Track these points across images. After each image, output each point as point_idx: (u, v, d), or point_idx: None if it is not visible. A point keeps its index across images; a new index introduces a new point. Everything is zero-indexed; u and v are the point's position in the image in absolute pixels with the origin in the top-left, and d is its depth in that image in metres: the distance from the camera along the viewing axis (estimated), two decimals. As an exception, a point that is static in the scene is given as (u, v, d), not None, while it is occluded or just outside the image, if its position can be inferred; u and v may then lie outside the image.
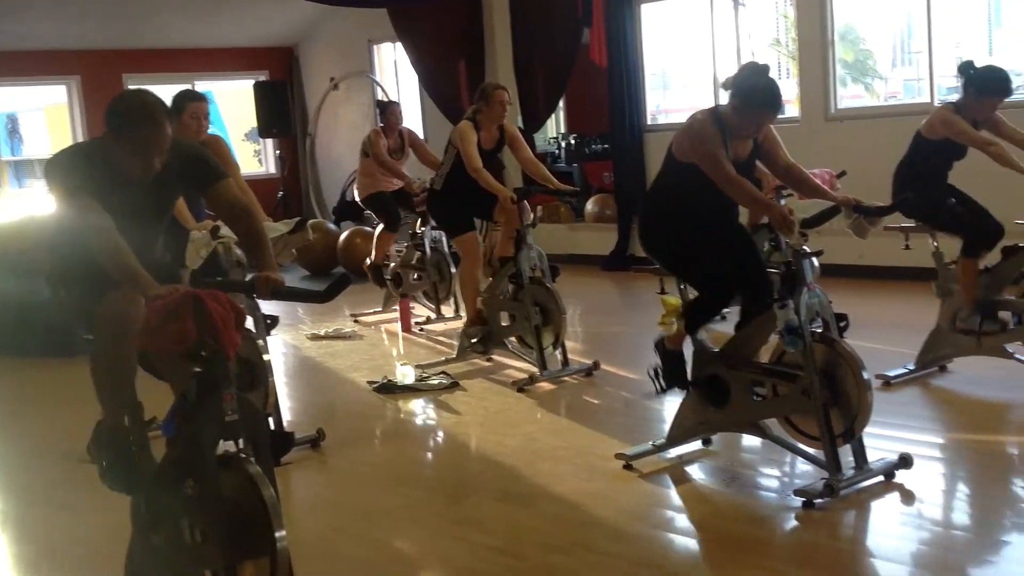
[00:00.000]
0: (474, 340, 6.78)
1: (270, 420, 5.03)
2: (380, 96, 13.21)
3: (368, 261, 8.75)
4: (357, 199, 8.83)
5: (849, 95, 12.22)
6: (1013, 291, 5.62)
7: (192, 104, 5.44)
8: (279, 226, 5.15)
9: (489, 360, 6.97)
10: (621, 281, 10.25)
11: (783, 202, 5.70)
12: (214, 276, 4.43)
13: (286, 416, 5.78)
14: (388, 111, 8.60)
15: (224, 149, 5.71)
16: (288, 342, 8.18)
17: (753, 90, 4.29)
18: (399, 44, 12.74)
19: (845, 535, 3.98)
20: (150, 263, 3.40)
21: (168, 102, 4.05)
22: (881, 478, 4.28)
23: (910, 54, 11.91)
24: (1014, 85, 5.87)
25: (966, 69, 5.47)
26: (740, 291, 4.60)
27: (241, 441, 3.26)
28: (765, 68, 4.38)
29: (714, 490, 4.51)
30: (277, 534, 3.06)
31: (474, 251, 6.95)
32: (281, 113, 13.94)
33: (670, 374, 4.76)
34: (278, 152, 14.54)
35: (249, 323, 5.00)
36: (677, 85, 13.43)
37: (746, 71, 4.39)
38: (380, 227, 8.64)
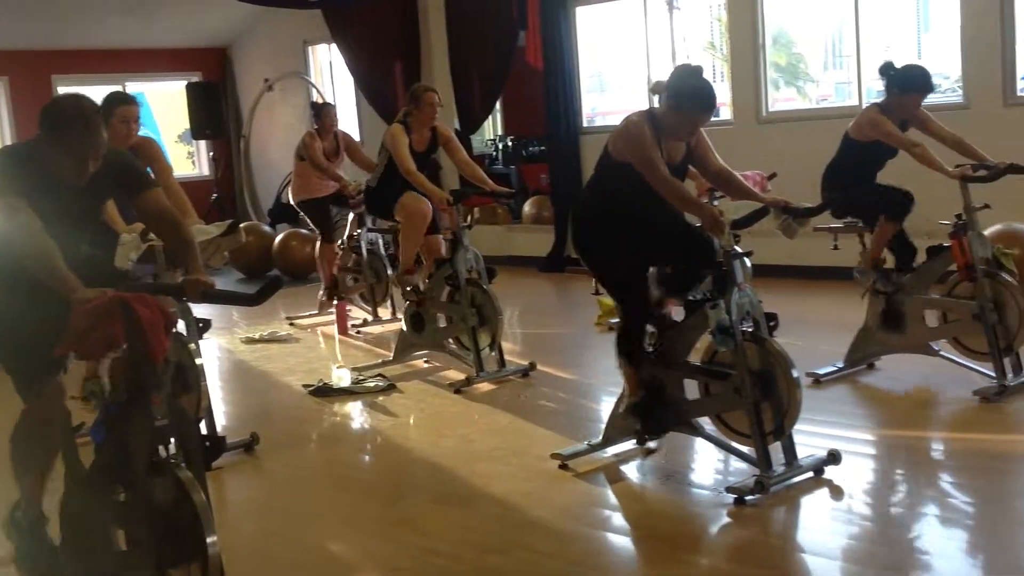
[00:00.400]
0: (408, 288, 6.80)
1: (202, 424, 4.98)
2: (315, 97, 13.13)
3: (321, 293, 8.59)
4: (291, 201, 8.75)
5: (782, 98, 12.41)
6: (938, 289, 5.75)
7: (121, 108, 5.34)
8: (211, 228, 5.09)
9: (427, 362, 6.97)
10: (558, 282, 10.31)
11: (716, 203, 5.78)
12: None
13: (220, 420, 5.73)
14: (323, 113, 8.54)
15: (156, 151, 5.63)
16: (222, 346, 8.09)
17: (687, 92, 4.34)
18: (334, 45, 12.68)
19: (776, 531, 4.04)
20: (79, 266, 3.36)
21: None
22: (811, 474, 4.35)
23: (841, 57, 12.15)
24: (936, 83, 6.00)
25: (887, 70, 5.60)
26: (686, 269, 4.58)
27: (172, 446, 3.23)
28: (699, 70, 4.42)
29: (649, 488, 4.55)
30: (208, 539, 3.04)
31: (416, 207, 6.80)
32: (214, 114, 13.79)
33: (648, 424, 4.61)
34: (212, 154, 14.38)
35: (181, 327, 4.95)
36: (613, 87, 13.54)
37: (680, 73, 4.44)
38: (318, 243, 8.55)
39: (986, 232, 5.88)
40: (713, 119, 10.85)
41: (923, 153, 5.43)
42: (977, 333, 5.43)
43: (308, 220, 8.72)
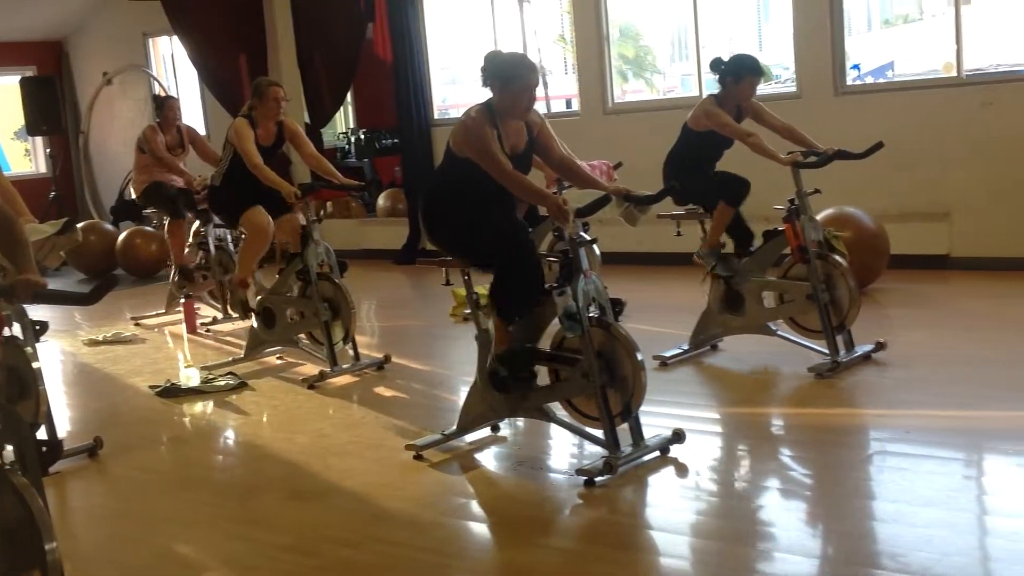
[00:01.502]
0: (237, 299, 6.69)
1: (41, 429, 4.80)
2: (157, 91, 12.77)
3: (174, 274, 8.36)
4: (134, 196, 8.49)
5: (632, 90, 12.68)
6: (774, 272, 5.98)
7: None
8: (45, 227, 4.91)
9: (280, 358, 6.87)
10: (413, 274, 10.29)
11: (563, 193, 5.89)
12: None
13: (64, 425, 5.57)
14: (165, 106, 8.33)
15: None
16: (64, 349, 7.82)
17: (506, 67, 4.45)
18: (176, 37, 12.34)
19: (624, 509, 4.14)
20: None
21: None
22: (657, 453, 4.48)
23: (687, 50, 12.48)
24: (776, 73, 6.24)
25: (717, 64, 5.82)
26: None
27: (7, 452, 3.11)
28: (499, 50, 4.62)
29: (502, 475, 4.61)
30: (47, 546, 2.94)
31: (261, 224, 6.64)
32: (51, 110, 13.28)
33: (516, 369, 4.58)
34: (49, 151, 13.83)
35: (17, 330, 4.77)
36: (465, 79, 13.58)
37: (489, 59, 4.52)
38: (167, 221, 8.32)
39: (819, 216, 6.16)
40: (562, 110, 11.10)
41: (757, 142, 5.65)
42: (811, 312, 5.68)
43: (155, 207, 8.42)
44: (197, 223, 8.18)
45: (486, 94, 4.52)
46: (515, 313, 4.58)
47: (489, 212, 4.54)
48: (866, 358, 5.71)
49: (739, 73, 5.74)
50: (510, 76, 4.41)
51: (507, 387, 4.60)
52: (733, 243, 6.00)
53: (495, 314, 4.62)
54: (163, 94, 11.58)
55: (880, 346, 5.80)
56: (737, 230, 5.96)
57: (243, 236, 7.01)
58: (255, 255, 6.79)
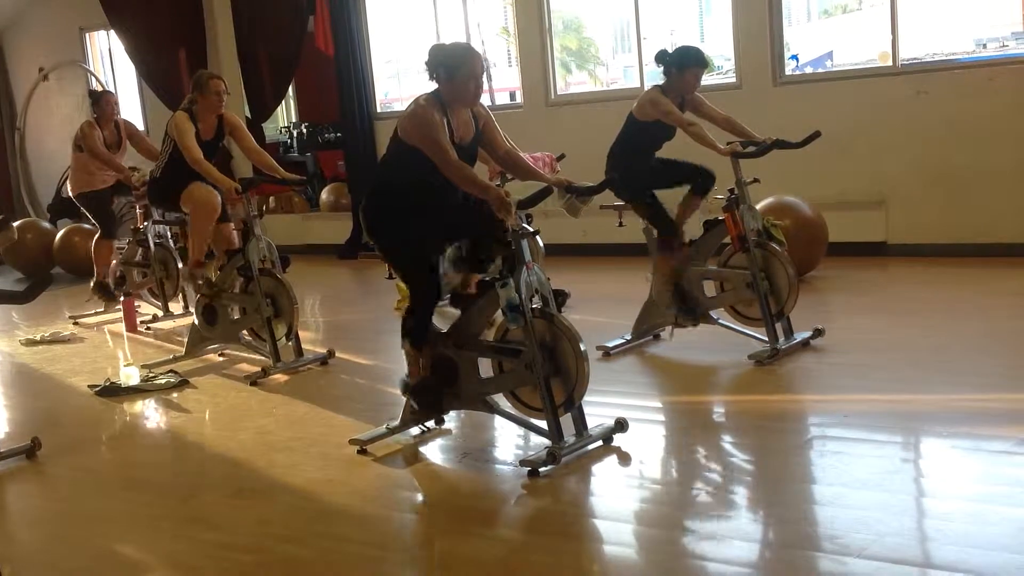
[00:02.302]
0: (199, 282, 6.60)
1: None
2: (94, 86, 12.57)
3: (92, 282, 8.28)
4: (70, 194, 8.37)
5: (575, 81, 12.72)
6: (714, 261, 6.04)
7: None
8: (-21, 226, 4.82)
9: (222, 355, 6.82)
10: (357, 269, 10.26)
11: (505, 185, 5.90)
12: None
13: (1, 426, 5.54)
14: (102, 101, 8.19)
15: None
16: (1, 349, 7.70)
17: (450, 56, 4.44)
18: (113, 32, 12.16)
19: (568, 499, 4.16)
20: None
21: None
22: (600, 443, 4.51)
23: (629, 42, 12.56)
24: (718, 64, 6.29)
25: (662, 56, 5.86)
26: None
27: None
28: (442, 43, 4.61)
29: (447, 468, 4.61)
30: (-18, 549, 2.90)
31: (203, 197, 6.54)
32: (-15, 106, 13.04)
33: (425, 404, 4.70)
34: (-17, 148, 13.58)
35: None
36: (408, 73, 13.54)
37: (432, 52, 4.51)
38: (96, 236, 8.22)
39: (758, 205, 6.22)
40: (506, 102, 11.10)
41: (698, 132, 5.70)
42: (751, 300, 5.75)
43: (87, 214, 8.35)
44: (142, 216, 8.07)
45: (432, 87, 4.51)
46: (422, 340, 4.63)
47: (421, 231, 4.54)
48: (805, 345, 5.80)
49: (683, 64, 5.79)
50: (455, 65, 4.40)
51: (451, 378, 4.61)
52: (656, 232, 6.01)
53: (407, 342, 4.66)
54: (100, 89, 11.41)
55: (818, 333, 5.89)
56: (658, 220, 5.98)
57: (187, 216, 6.88)
58: (204, 232, 6.61)
